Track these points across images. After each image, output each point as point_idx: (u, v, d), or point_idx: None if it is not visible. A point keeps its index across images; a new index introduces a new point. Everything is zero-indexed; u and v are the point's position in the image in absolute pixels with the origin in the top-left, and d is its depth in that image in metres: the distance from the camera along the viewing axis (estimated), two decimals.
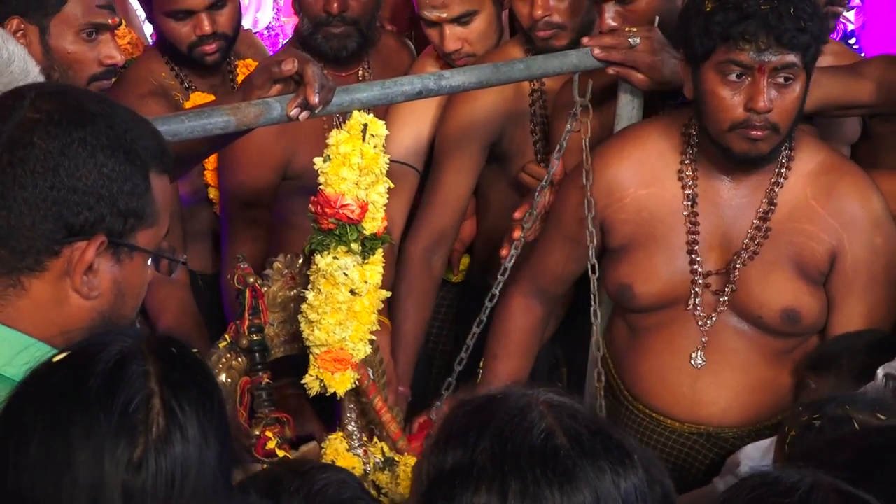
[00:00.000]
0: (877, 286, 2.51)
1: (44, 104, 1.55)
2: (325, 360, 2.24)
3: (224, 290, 3.02)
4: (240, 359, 2.29)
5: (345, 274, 2.21)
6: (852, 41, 4.59)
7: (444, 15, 2.92)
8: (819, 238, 2.49)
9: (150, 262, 1.62)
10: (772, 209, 2.50)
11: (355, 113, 2.20)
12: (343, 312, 2.23)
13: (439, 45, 2.97)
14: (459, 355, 2.63)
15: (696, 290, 2.53)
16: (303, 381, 2.28)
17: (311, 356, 2.26)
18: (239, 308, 2.28)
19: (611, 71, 2.59)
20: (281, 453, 2.25)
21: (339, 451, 2.35)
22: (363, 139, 2.19)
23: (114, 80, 2.73)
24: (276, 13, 5.04)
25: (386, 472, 2.38)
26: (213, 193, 3.10)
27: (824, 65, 2.52)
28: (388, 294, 2.33)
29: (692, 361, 2.55)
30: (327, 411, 2.55)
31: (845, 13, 4.34)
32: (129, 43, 3.29)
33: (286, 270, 2.33)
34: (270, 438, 2.25)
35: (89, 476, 1.29)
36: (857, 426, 1.77)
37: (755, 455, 2.35)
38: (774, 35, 2.30)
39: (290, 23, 4.93)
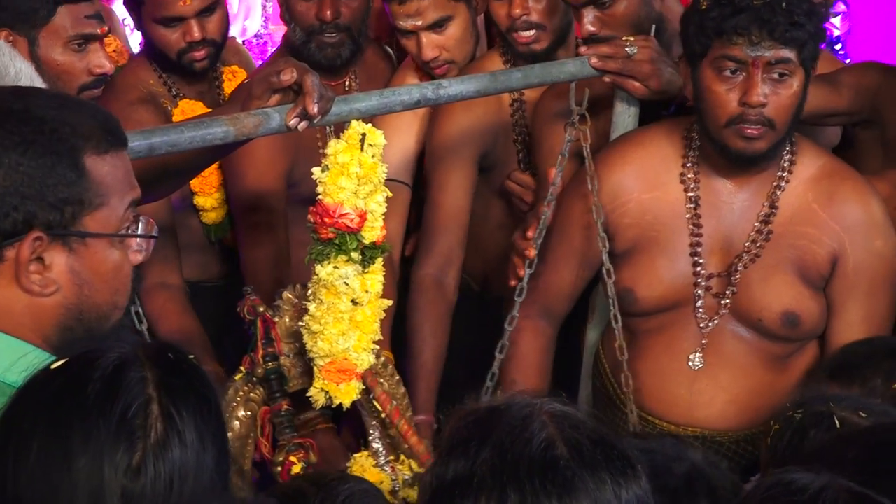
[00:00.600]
0: (877, 290, 2.51)
1: None
2: (330, 371, 2.24)
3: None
4: (258, 390, 2.29)
5: (346, 283, 2.21)
6: (838, 47, 4.60)
7: (419, 23, 2.91)
8: (820, 241, 2.50)
9: (120, 243, 1.59)
10: (773, 212, 2.51)
11: (353, 122, 2.20)
12: (345, 322, 2.22)
13: (417, 55, 2.96)
14: (486, 385, 2.56)
15: (699, 292, 2.53)
16: (308, 394, 2.28)
17: (315, 368, 2.26)
18: (252, 340, 2.27)
19: (608, 79, 2.60)
20: None
21: (366, 466, 2.35)
22: (361, 149, 2.18)
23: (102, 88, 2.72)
24: (264, 21, 5.04)
25: (416, 487, 2.36)
26: (199, 200, 3.09)
27: None
28: (390, 303, 2.32)
29: (690, 363, 2.55)
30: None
31: (831, 19, 4.36)
32: (114, 51, 3.29)
33: (296, 300, 2.32)
34: (295, 463, 2.26)
35: (89, 481, 1.30)
36: (837, 423, 1.78)
37: None
38: (767, 29, 2.31)
39: (278, 31, 4.93)
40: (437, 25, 2.93)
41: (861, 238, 2.49)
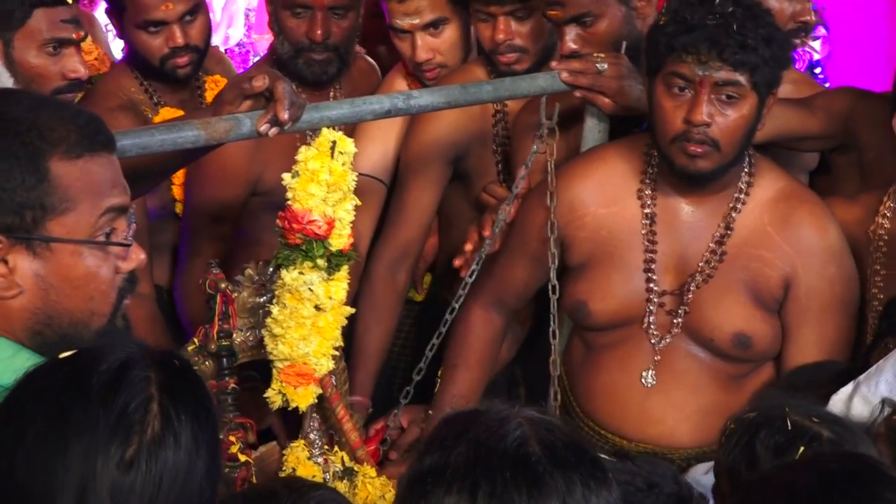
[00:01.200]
0: (830, 316, 2.53)
1: None
2: (289, 374, 2.26)
3: (178, 299, 3.02)
4: (207, 363, 2.30)
5: (310, 289, 2.22)
6: (818, 70, 4.64)
7: (417, 21, 2.94)
8: (774, 265, 2.52)
9: (97, 249, 1.58)
10: (728, 233, 2.53)
11: (324, 130, 2.21)
12: (307, 328, 2.24)
13: (410, 56, 2.99)
14: (419, 365, 2.68)
15: (651, 308, 2.55)
16: (265, 395, 2.29)
17: (273, 370, 2.28)
18: (209, 313, 2.28)
19: (578, 94, 2.63)
20: (243, 458, 2.27)
21: (301, 458, 2.36)
22: (332, 156, 2.20)
23: (80, 94, 2.73)
24: (247, 30, 5.06)
25: (345, 481, 2.40)
26: (180, 208, 3.10)
27: (782, 94, 2.55)
28: (353, 311, 2.35)
29: (643, 380, 2.57)
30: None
31: (811, 42, 4.40)
32: (95, 59, 3.29)
33: (257, 277, 2.35)
34: (234, 443, 2.27)
35: (80, 468, 1.32)
36: (789, 424, 1.84)
37: (700, 469, 2.39)
38: (717, 49, 2.33)
39: (260, 40, 4.96)
40: (433, 26, 2.96)
41: (815, 262, 2.51)
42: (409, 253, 3.03)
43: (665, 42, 2.37)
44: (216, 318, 2.29)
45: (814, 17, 2.99)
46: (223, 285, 2.28)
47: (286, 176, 2.22)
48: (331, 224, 2.22)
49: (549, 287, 2.58)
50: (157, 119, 2.98)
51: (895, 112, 2.47)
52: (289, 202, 2.21)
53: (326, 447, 2.42)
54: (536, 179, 2.68)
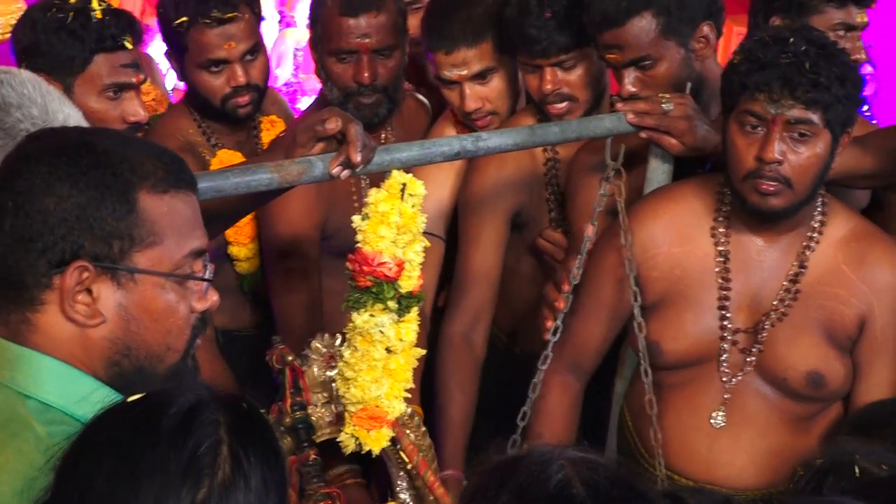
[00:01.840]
0: None
1: (29, 147, 1.59)
2: (361, 417, 2.26)
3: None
4: (286, 439, 2.30)
5: (381, 331, 2.22)
6: (865, 108, 4.63)
7: (464, 73, 2.93)
8: (849, 302, 2.50)
9: (179, 285, 1.59)
10: (802, 272, 2.52)
11: (394, 172, 2.22)
12: (378, 370, 2.24)
13: (459, 107, 2.98)
14: (513, 437, 2.58)
15: (724, 346, 2.54)
16: (338, 440, 2.29)
17: (346, 414, 2.28)
18: (280, 389, 2.28)
19: (644, 135, 2.62)
20: None
21: None
22: (402, 198, 2.21)
23: (140, 135, 2.75)
24: (294, 69, 5.09)
25: None
26: (233, 250, 3.10)
27: None
28: (424, 352, 2.34)
29: (712, 421, 2.56)
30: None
31: None
32: (153, 99, 3.31)
33: (325, 350, 2.34)
34: None
35: None
36: (857, 471, 1.79)
37: None
38: (789, 88, 2.33)
39: (308, 79, 4.99)
40: (481, 76, 2.95)
41: (890, 300, 2.50)
42: (481, 316, 2.99)
43: (738, 81, 2.37)
44: (287, 392, 2.28)
45: (864, 56, 2.97)
46: (290, 359, 2.28)
47: (356, 218, 2.23)
48: (401, 266, 2.22)
49: (635, 325, 2.55)
50: (214, 161, 2.99)
51: None
52: (358, 244, 2.22)
53: None
54: (601, 224, 2.66)
